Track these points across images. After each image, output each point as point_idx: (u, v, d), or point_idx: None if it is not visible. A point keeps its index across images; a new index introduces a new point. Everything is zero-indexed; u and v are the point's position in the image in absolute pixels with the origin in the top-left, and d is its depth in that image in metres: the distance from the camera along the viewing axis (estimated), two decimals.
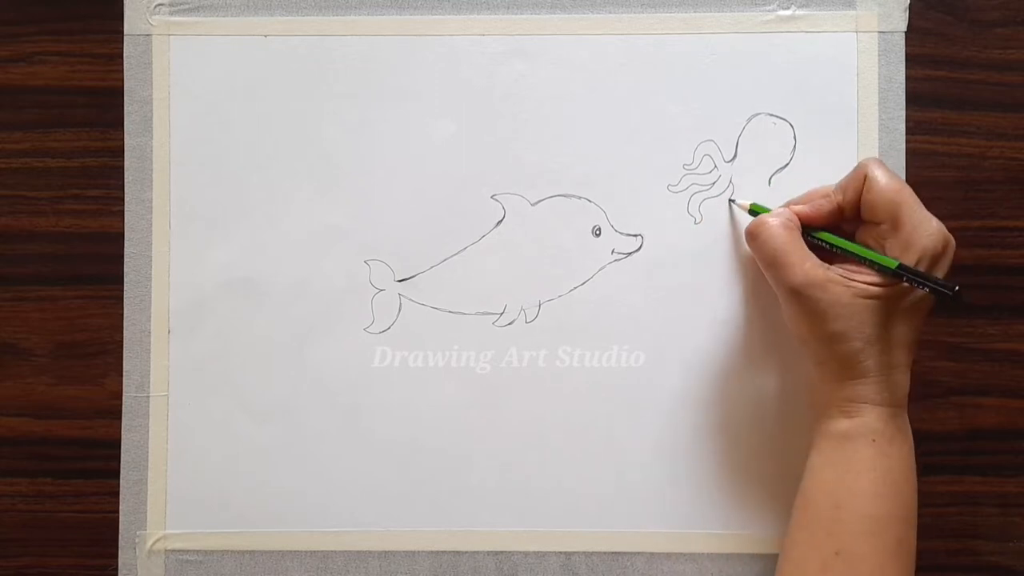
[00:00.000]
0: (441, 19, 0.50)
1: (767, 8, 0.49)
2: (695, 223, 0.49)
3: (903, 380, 0.43)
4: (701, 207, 0.49)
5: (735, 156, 0.49)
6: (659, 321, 0.49)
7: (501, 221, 0.49)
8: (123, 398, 0.50)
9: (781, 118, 0.49)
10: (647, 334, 0.49)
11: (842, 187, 0.44)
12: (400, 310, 0.49)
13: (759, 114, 0.49)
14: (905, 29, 0.49)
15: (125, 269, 0.50)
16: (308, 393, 0.49)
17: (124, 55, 0.50)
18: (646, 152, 0.49)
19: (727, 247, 0.49)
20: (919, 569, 0.48)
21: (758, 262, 0.45)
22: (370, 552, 0.49)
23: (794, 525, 0.44)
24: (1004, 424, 0.50)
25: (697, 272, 0.49)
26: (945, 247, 0.42)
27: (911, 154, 0.49)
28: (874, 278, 0.42)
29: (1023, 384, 0.50)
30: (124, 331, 0.50)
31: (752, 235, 0.44)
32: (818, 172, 0.49)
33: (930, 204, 0.49)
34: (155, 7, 0.50)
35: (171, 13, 0.50)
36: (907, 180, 0.49)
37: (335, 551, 0.49)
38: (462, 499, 0.49)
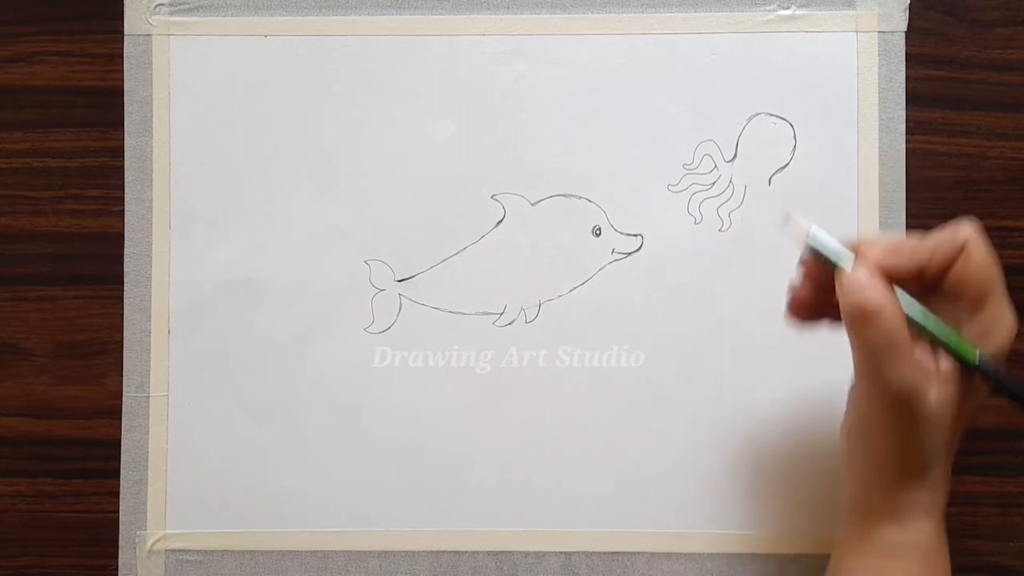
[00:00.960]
0: (441, 19, 0.50)
1: (767, 8, 0.49)
2: (695, 223, 0.49)
3: (948, 486, 0.38)
4: (701, 207, 0.49)
5: (735, 156, 0.49)
6: (659, 321, 0.49)
7: (501, 221, 0.49)
8: (123, 398, 0.50)
9: (781, 118, 0.49)
10: (647, 334, 0.49)
11: (932, 247, 0.37)
12: (400, 310, 0.49)
13: (759, 114, 0.49)
14: (905, 29, 0.49)
15: (125, 269, 0.50)
16: (308, 393, 0.49)
17: (124, 55, 0.50)
18: (646, 152, 0.49)
19: (727, 247, 0.49)
20: None
21: (855, 348, 0.37)
22: (370, 552, 0.49)
23: None
24: (1004, 424, 0.50)
25: (697, 272, 0.49)
26: (1011, 344, 0.37)
27: (911, 154, 0.49)
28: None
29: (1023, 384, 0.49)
30: (124, 331, 0.50)
31: (863, 320, 0.35)
32: (818, 172, 0.49)
33: (930, 204, 0.49)
34: (155, 7, 0.50)
35: (171, 13, 0.50)
36: (907, 180, 0.49)
37: (335, 551, 0.49)
38: (462, 499, 0.49)
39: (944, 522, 0.38)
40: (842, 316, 0.37)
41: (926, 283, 0.37)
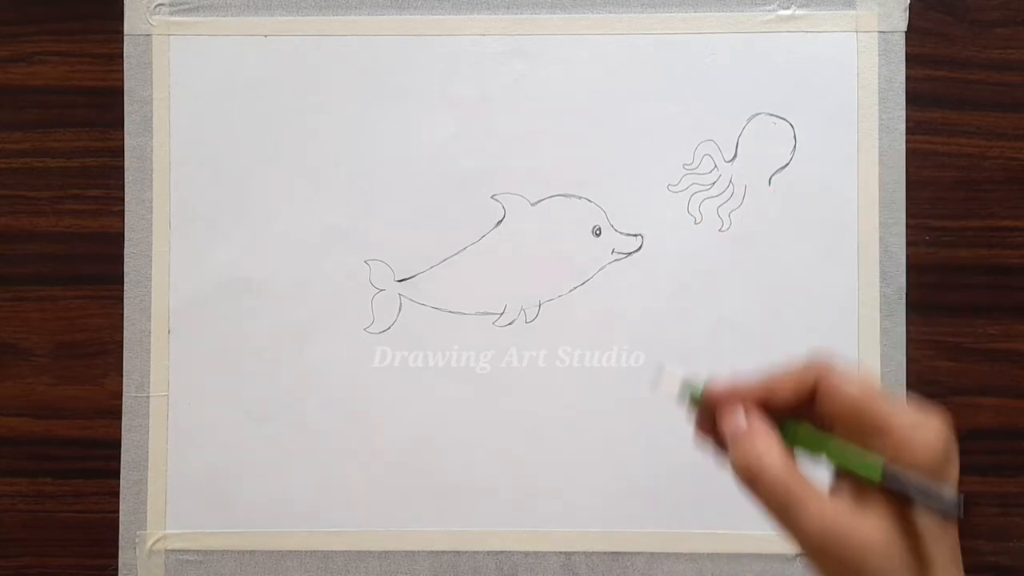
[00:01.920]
0: (441, 19, 0.50)
1: (767, 8, 0.49)
2: (695, 223, 0.49)
3: None
4: (701, 207, 0.49)
5: (735, 156, 0.49)
6: (659, 321, 0.49)
7: (501, 221, 0.49)
8: (123, 398, 0.50)
9: (781, 118, 0.49)
10: (647, 334, 0.49)
11: (793, 384, 0.33)
12: (400, 310, 0.49)
13: (759, 114, 0.49)
14: (905, 29, 0.49)
15: (125, 269, 0.50)
16: (308, 393, 0.49)
17: (124, 55, 0.50)
18: (646, 152, 0.49)
19: (727, 247, 0.49)
20: None
21: (759, 506, 0.33)
22: (370, 552, 0.49)
23: None
24: (1004, 424, 0.50)
25: (697, 272, 0.49)
26: (947, 455, 0.31)
27: (911, 154, 0.49)
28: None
29: (1023, 384, 0.50)
30: (124, 331, 0.50)
31: (751, 478, 0.33)
32: (818, 172, 0.49)
33: (930, 204, 0.49)
34: (155, 7, 0.50)
35: (171, 13, 0.50)
36: (907, 180, 0.49)
37: (335, 551, 0.49)
38: (462, 499, 0.49)
39: None
40: (734, 476, 0.34)
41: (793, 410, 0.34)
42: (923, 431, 0.31)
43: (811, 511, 0.31)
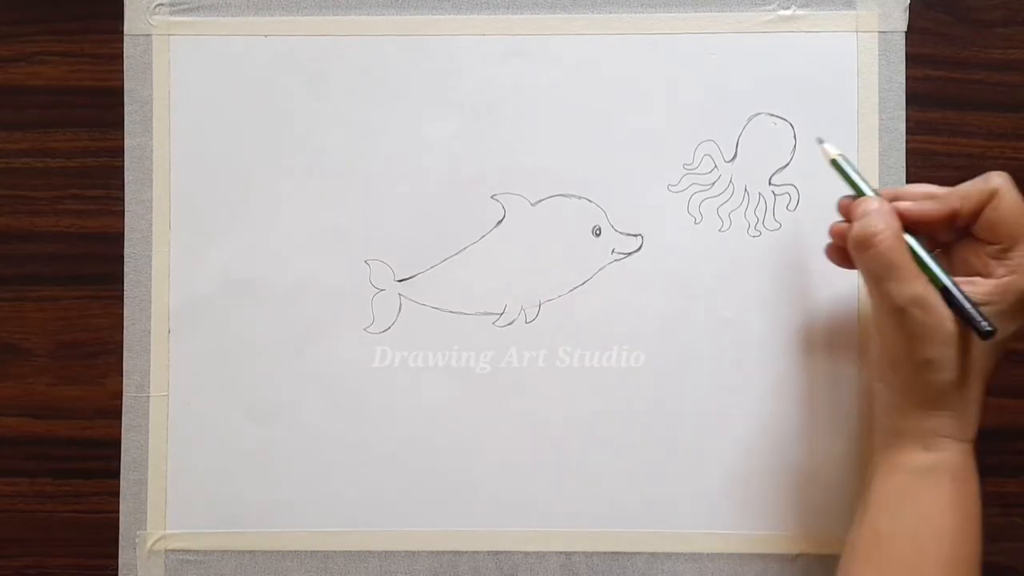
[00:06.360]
0: (441, 19, 0.50)
1: (767, 8, 0.49)
2: (695, 223, 0.49)
3: (978, 414, 0.41)
4: (701, 207, 0.49)
5: (735, 156, 0.49)
6: (659, 321, 0.49)
7: (501, 221, 0.49)
8: (123, 398, 0.50)
9: (781, 118, 0.49)
10: (647, 334, 0.49)
11: (963, 195, 0.40)
12: (400, 310, 0.49)
13: (759, 114, 0.49)
14: (905, 29, 0.49)
15: (125, 269, 0.50)
16: (308, 393, 0.49)
17: (124, 55, 0.50)
18: (646, 152, 0.49)
19: (727, 247, 0.49)
20: None
21: (862, 273, 0.41)
22: (370, 552, 0.49)
23: (861, 561, 0.41)
24: (1004, 424, 0.50)
25: (697, 272, 0.49)
26: None
27: (911, 154, 0.49)
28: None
29: (1023, 384, 0.50)
30: (124, 331, 0.50)
31: (861, 246, 0.40)
32: (818, 172, 0.49)
33: None
34: (155, 7, 0.50)
35: (171, 13, 0.50)
36: (907, 180, 0.49)
37: (335, 551, 0.49)
38: (462, 499, 0.49)
39: (973, 454, 0.41)
40: (848, 244, 0.41)
41: (958, 228, 0.41)
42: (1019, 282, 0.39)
43: (907, 280, 0.39)
